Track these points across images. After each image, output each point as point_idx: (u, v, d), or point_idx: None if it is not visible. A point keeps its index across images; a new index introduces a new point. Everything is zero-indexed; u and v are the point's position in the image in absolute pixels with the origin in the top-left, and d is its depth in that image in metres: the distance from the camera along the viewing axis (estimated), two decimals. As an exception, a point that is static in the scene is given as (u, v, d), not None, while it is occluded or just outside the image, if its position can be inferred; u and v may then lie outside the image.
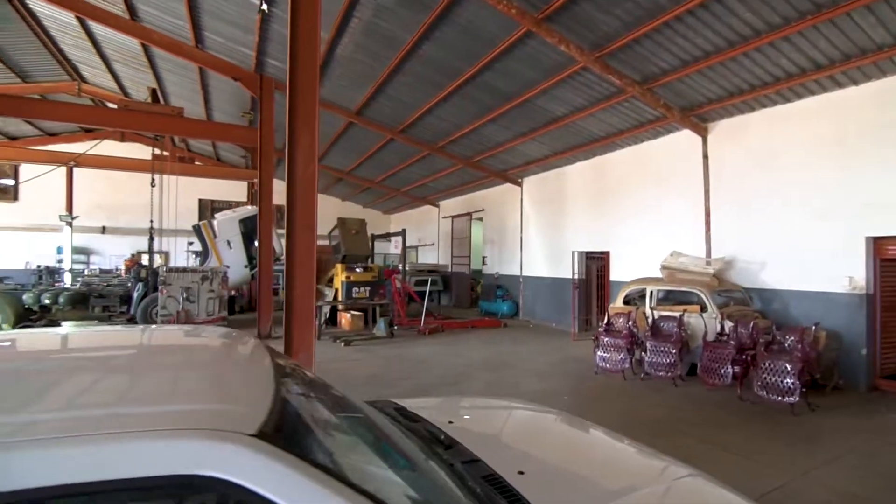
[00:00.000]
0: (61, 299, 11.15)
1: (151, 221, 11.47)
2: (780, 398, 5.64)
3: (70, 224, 14.71)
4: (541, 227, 14.17)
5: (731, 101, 7.98)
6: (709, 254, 8.77)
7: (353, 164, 17.37)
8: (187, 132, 11.04)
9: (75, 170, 17.42)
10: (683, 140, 9.36)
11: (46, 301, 11.02)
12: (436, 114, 11.30)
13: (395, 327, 12.35)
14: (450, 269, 19.39)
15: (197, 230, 12.72)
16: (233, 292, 14.12)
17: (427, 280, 13.71)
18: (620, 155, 11.11)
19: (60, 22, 11.15)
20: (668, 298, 8.47)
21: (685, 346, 7.16)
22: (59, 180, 17.11)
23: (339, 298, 12.95)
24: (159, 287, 10.19)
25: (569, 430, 2.39)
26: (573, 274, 11.28)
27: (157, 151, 15.71)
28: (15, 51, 12.48)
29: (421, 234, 22.94)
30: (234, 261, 12.75)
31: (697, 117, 8.76)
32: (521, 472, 1.62)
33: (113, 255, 19.67)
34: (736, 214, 8.47)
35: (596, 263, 12.50)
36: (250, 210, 13.09)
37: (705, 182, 8.93)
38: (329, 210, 20.46)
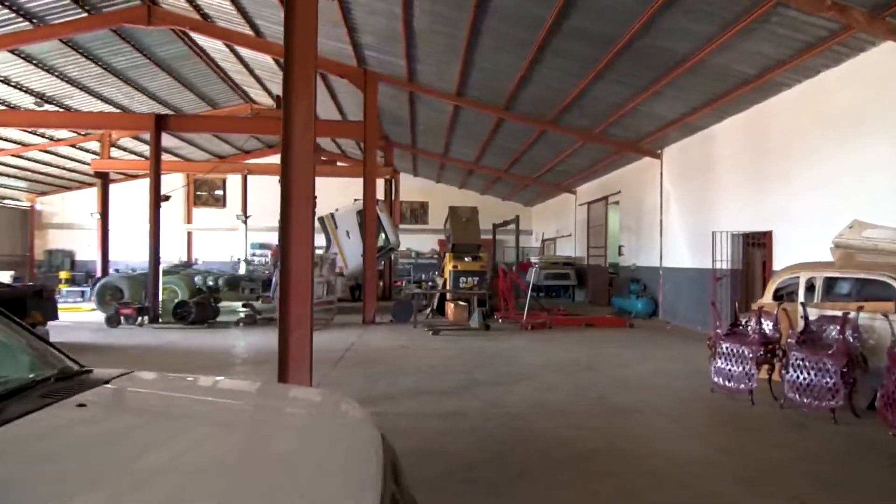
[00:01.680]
0: (220, 282, 13.31)
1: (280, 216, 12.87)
2: None
3: (244, 222, 17.71)
4: (684, 206, 11.46)
5: (964, -26, 4.93)
6: (928, 225, 5.64)
7: (476, 153, 16.89)
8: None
9: (259, 178, 21.17)
10: (881, 58, 6.27)
11: (210, 283, 13.28)
12: (534, 80, 9.99)
13: (500, 320, 11.45)
14: (586, 262, 17.37)
15: (321, 222, 13.88)
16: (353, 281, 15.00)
17: (534, 271, 12.35)
18: (784, 99, 8.13)
19: (219, 52, 13.28)
20: (850, 293, 5.72)
21: (857, 362, 4.64)
22: (254, 188, 20.87)
23: (448, 288, 12.61)
24: (274, 272, 11.31)
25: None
26: (713, 262, 8.69)
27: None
28: (201, 83, 15.24)
29: (559, 225, 21.23)
30: (352, 250, 13.53)
31: (902, 16, 5.71)
32: None
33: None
34: (982, 159, 5.24)
35: (761, 250, 9.47)
36: (366, 202, 13.73)
37: (923, 115, 5.79)
38: (469, 204, 20.08)
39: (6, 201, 23.06)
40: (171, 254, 24.07)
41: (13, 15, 10.62)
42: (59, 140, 17.95)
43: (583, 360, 7.35)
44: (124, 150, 19.57)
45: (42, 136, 17.39)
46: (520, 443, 4.02)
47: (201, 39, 12.75)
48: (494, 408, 4.94)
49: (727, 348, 5.48)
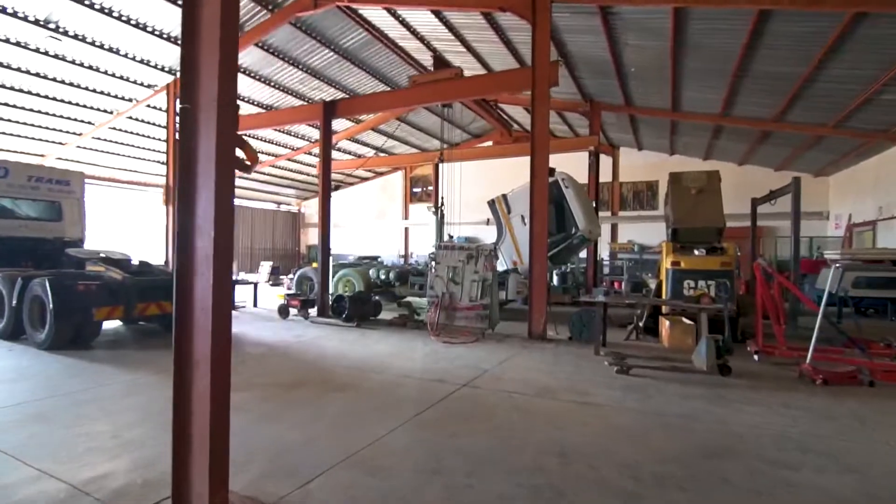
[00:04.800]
0: (391, 275, 12.27)
1: (443, 200, 10.92)
2: None
3: (435, 213, 16.67)
4: None
5: None
6: None
7: (722, 96, 11.48)
8: (462, 93, 9.75)
9: (465, 171, 20.29)
10: None
11: (383, 277, 12.39)
12: None
13: (756, 356, 6.71)
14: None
15: (491, 206, 11.29)
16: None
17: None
18: None
19: (383, 21, 12.13)
20: None
21: None
22: (462, 186, 20.15)
23: (664, 295, 8.38)
24: (430, 266, 9.29)
25: None
26: None
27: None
28: (379, 63, 14.45)
29: (883, 200, 13.19)
30: (528, 240, 10.48)
31: None
32: None
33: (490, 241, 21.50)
34: None
35: None
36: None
37: None
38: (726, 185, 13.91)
39: (282, 206, 28.71)
40: (392, 248, 25.77)
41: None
42: (297, 149, 20.66)
43: None
44: (342, 151, 21.31)
45: (285, 146, 20.26)
46: None
47: (370, 16, 11.91)
48: None
49: None
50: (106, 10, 10.20)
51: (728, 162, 17.65)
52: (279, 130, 18.47)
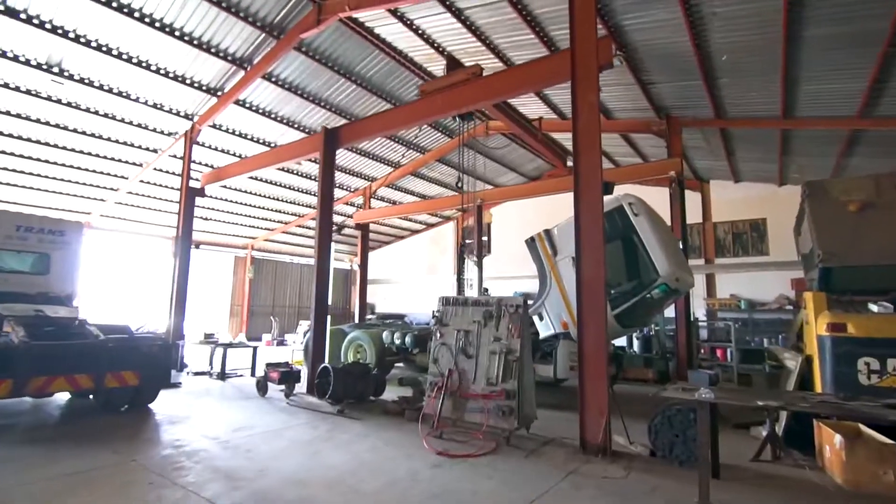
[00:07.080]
0: (408, 340, 9.62)
1: (462, 246, 8.29)
2: None
3: (477, 264, 14.05)
4: None
5: None
6: None
7: (866, 83, 8.00)
8: (483, 96, 7.32)
9: (521, 214, 17.87)
10: None
11: (398, 341, 9.77)
12: None
13: None
14: None
15: (530, 245, 8.39)
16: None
17: None
18: None
19: (391, 30, 10.29)
20: None
21: None
22: (517, 230, 17.59)
23: (819, 386, 4.89)
24: (433, 329, 6.52)
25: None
26: None
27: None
28: (385, 79, 12.14)
29: None
30: (584, 291, 7.38)
31: None
32: None
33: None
34: None
35: None
36: (609, 201, 7.14)
37: None
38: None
39: (335, 262, 27.65)
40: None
41: (232, 66, 10.57)
42: (337, 199, 19.37)
43: None
44: (383, 199, 19.85)
45: (324, 196, 19.05)
46: None
47: (385, 33, 10.28)
48: None
49: None
50: (103, 50, 9.39)
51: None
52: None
